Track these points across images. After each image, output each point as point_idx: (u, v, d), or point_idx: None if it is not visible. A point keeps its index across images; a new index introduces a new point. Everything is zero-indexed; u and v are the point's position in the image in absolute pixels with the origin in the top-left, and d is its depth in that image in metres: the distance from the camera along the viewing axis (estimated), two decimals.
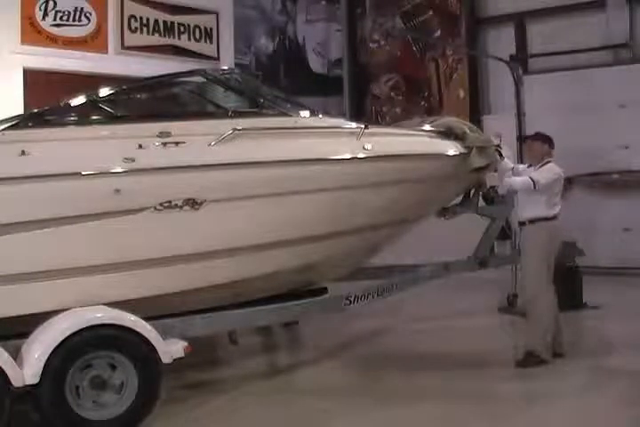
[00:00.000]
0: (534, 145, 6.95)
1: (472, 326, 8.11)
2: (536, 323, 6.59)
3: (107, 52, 10.78)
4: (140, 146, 5.37)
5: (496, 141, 7.10)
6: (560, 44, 12.35)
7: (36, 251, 5.06)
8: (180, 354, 5.21)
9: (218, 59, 12.04)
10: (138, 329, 5.04)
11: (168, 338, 5.24)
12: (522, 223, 6.82)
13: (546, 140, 6.93)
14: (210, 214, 5.48)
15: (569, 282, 8.91)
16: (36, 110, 5.74)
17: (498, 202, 7.94)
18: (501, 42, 13.25)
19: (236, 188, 5.58)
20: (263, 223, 5.72)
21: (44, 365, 4.72)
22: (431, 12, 14.10)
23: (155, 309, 5.35)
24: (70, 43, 10.36)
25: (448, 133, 6.81)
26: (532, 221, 6.67)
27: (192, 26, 11.78)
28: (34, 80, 9.77)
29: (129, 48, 11.02)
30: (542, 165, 6.77)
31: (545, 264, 6.60)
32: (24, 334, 4.90)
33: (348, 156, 6.09)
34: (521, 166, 7.17)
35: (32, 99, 9.34)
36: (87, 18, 10.55)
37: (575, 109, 11.59)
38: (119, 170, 5.26)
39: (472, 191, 7.51)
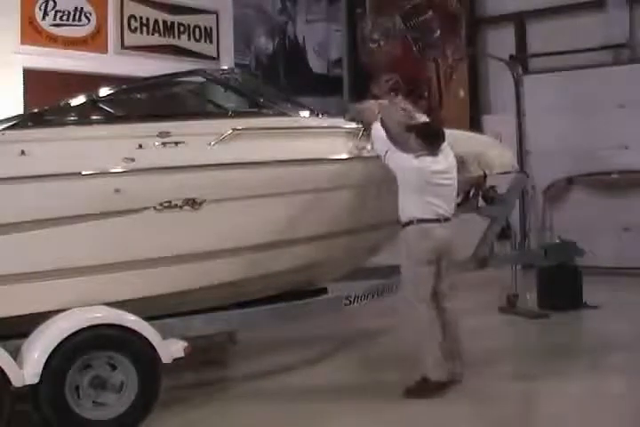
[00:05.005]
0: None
1: (472, 326, 8.08)
2: (419, 340, 5.89)
3: (106, 52, 10.75)
4: (140, 146, 5.37)
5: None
6: (560, 44, 12.33)
7: (36, 251, 5.06)
8: (180, 354, 5.21)
9: (218, 59, 12.03)
10: (138, 329, 5.04)
11: (168, 338, 5.24)
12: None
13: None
14: (210, 214, 5.48)
15: (569, 282, 8.94)
16: (36, 110, 5.74)
17: (498, 202, 7.93)
18: (501, 42, 13.25)
19: (236, 188, 5.58)
20: (263, 223, 5.72)
21: (44, 365, 4.73)
22: (431, 12, 14.06)
23: (155, 309, 5.35)
24: (70, 43, 10.34)
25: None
26: (405, 224, 5.91)
27: (192, 26, 11.76)
28: (34, 80, 9.75)
29: (129, 48, 10.99)
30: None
31: (419, 275, 5.85)
32: (24, 334, 4.90)
33: (347, 156, 6.09)
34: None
35: (32, 99, 9.33)
36: (87, 18, 10.53)
37: (575, 109, 11.59)
38: (119, 170, 5.26)
39: (472, 191, 7.50)
